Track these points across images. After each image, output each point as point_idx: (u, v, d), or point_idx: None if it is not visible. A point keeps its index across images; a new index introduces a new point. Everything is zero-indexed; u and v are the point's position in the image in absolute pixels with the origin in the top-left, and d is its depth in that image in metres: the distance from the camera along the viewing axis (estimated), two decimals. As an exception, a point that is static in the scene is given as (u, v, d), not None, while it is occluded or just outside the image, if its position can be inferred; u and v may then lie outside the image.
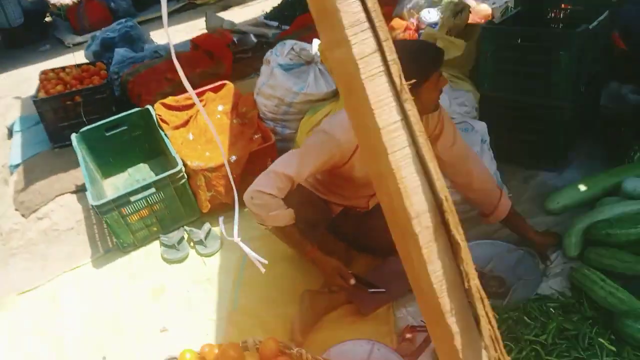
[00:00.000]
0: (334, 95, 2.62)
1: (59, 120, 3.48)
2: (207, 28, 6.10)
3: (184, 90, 3.38)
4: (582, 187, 2.16)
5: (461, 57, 2.50)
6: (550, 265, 1.95)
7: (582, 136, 2.56)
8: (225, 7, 7.88)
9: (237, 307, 2.09)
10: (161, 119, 2.86)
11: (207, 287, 2.28)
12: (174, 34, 6.64)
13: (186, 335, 2.05)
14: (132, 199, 2.43)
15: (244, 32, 4.74)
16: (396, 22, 4.20)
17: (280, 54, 2.66)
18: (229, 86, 3.00)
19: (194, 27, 6.31)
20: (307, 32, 4.73)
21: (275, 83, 2.67)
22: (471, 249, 1.96)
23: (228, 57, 4.05)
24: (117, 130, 3.00)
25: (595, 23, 2.19)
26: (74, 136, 2.89)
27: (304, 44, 2.66)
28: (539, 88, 2.30)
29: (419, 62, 1.60)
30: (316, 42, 2.62)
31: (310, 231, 1.91)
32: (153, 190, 2.46)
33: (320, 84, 2.60)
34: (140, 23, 6.07)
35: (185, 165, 2.53)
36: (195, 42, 4.16)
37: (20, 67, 5.93)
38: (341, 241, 2.17)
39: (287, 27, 5.20)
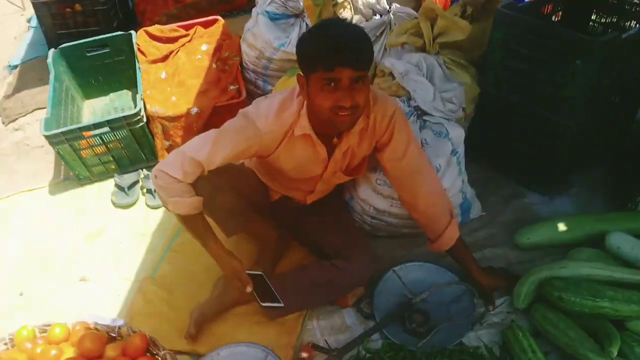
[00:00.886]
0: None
1: (57, 27, 3.32)
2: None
3: (185, 18, 3.24)
4: (562, 227, 1.83)
5: (467, 41, 2.10)
6: (492, 311, 1.70)
7: (594, 162, 2.17)
8: None
9: (154, 275, 2.00)
10: (139, 49, 2.66)
11: (140, 242, 2.19)
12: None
13: (99, 291, 1.99)
14: (85, 134, 2.31)
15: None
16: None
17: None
18: (220, 23, 2.73)
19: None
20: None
21: (257, 32, 2.38)
22: (413, 269, 1.76)
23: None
24: (99, 52, 2.83)
25: (633, 31, 1.73)
26: (51, 51, 2.75)
27: (294, -7, 2.31)
28: (547, 97, 1.91)
29: (302, 52, 1.35)
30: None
31: (232, 217, 1.73)
32: (107, 129, 2.32)
33: (304, 42, 2.28)
34: None
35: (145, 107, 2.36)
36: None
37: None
38: (281, 228, 1.98)
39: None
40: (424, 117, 1.94)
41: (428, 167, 1.67)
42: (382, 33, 2.35)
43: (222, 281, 1.82)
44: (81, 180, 2.50)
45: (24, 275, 2.10)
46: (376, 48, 2.34)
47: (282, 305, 1.62)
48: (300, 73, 1.39)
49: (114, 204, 2.38)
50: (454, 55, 2.14)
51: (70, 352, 1.44)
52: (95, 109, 2.95)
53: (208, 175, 1.51)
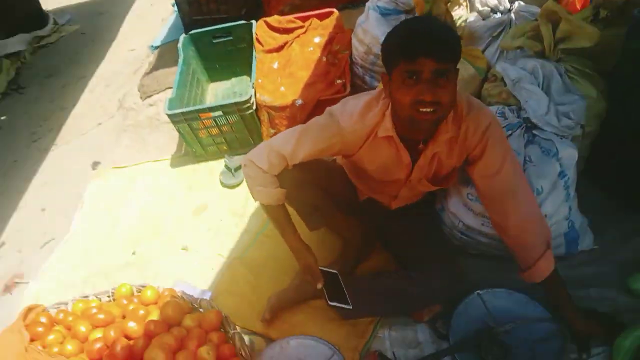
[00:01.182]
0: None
1: (192, 13, 3.61)
2: None
3: (307, 8, 3.31)
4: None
5: (597, 48, 1.87)
6: (585, 360, 1.54)
7: None
8: None
9: (244, 256, 2.13)
10: (257, 39, 2.79)
11: (237, 222, 2.34)
12: None
13: (195, 262, 2.18)
14: (201, 116, 2.51)
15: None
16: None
17: (381, -8, 2.30)
18: (334, 16, 2.76)
19: None
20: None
21: (367, 27, 2.36)
22: (500, 296, 1.62)
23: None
24: (223, 39, 3.04)
25: None
26: (182, 37, 3.01)
27: (407, -11, 2.24)
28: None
29: (385, 47, 1.31)
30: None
31: (315, 212, 1.78)
32: (220, 113, 2.49)
33: (413, 40, 2.21)
34: None
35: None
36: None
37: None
38: (366, 230, 1.98)
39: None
40: (534, 131, 1.78)
41: (524, 189, 1.53)
42: (499, 34, 2.19)
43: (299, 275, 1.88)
44: (197, 157, 2.74)
45: (138, 237, 2.38)
46: (491, 50, 2.20)
47: (350, 307, 1.63)
48: (385, 72, 1.36)
49: (221, 183, 2.57)
50: (579, 64, 1.92)
51: (155, 314, 1.62)
52: (218, 92, 3.19)
53: (294, 169, 1.56)
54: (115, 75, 3.89)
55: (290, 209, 1.72)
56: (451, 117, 1.44)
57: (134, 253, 2.31)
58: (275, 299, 1.82)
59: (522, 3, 2.31)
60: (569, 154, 1.68)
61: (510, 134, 1.78)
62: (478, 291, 1.71)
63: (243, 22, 2.98)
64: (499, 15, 2.28)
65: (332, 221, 1.88)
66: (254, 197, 1.62)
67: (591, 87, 1.87)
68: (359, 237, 1.94)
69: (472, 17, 2.28)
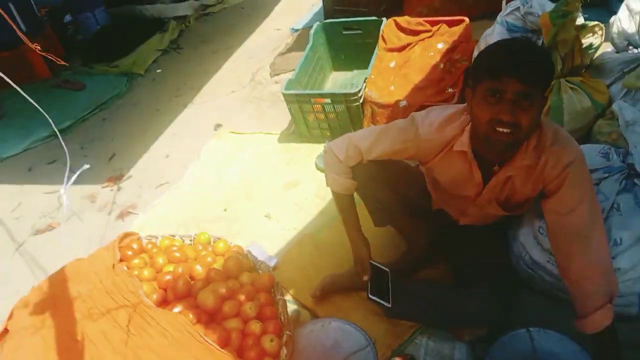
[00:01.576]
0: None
1: (335, 3, 3.82)
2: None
3: (446, 13, 3.29)
4: None
5: None
6: None
7: None
8: None
9: (316, 235, 2.26)
10: (382, 37, 2.87)
11: (318, 204, 2.48)
12: None
13: (274, 230, 2.37)
14: (312, 100, 2.69)
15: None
16: None
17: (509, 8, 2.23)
18: (463, 24, 2.72)
19: None
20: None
21: (490, 40, 2.31)
22: (551, 338, 1.59)
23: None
24: (353, 32, 3.17)
25: None
26: (315, 25, 3.20)
27: (536, 7, 2.13)
28: None
29: (475, 63, 1.33)
30: (543, 8, 2.06)
31: (382, 210, 1.85)
32: (329, 100, 2.64)
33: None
34: None
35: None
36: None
37: None
38: (433, 238, 2.00)
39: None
40: (635, 180, 1.64)
41: (598, 236, 1.43)
42: (632, 70, 2.01)
43: (361, 262, 1.96)
44: (301, 137, 2.93)
45: (232, 197, 2.64)
46: (618, 86, 2.03)
47: (389, 305, 1.68)
48: (470, 87, 1.37)
49: (316, 165, 2.73)
50: None
51: (219, 264, 1.83)
52: (338, 80, 3.35)
53: (369, 164, 1.65)
54: (258, 50, 4.25)
55: (361, 205, 1.81)
56: (533, 144, 1.40)
57: (225, 210, 2.57)
58: (330, 279, 1.93)
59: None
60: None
61: (607, 177, 1.66)
62: (530, 327, 1.64)
63: (374, 18, 3.08)
64: (637, 50, 2.08)
65: (399, 222, 1.92)
66: (327, 183, 1.74)
67: None
68: (423, 243, 1.95)
69: (605, 46, 2.11)
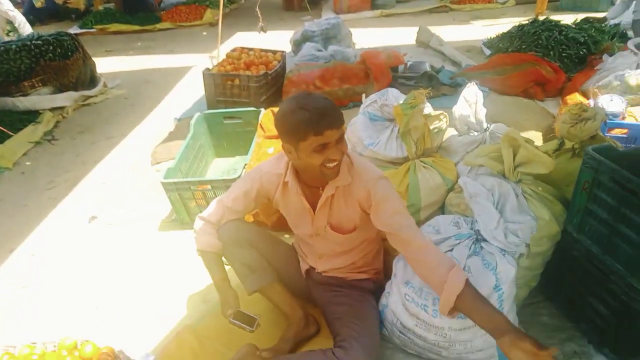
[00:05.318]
0: (404, 161, 2.37)
1: (217, 94, 3.99)
2: (416, 41, 6.04)
3: None
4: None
5: (560, 175, 1.96)
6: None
7: None
8: (476, 17, 7.95)
9: (195, 323, 2.18)
10: (261, 125, 3.03)
11: (200, 291, 2.42)
12: (398, 33, 6.88)
13: (151, 325, 2.24)
14: (192, 187, 2.70)
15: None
16: (573, 97, 3.50)
17: (369, 100, 2.51)
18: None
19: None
20: (493, 74, 4.29)
21: (355, 128, 2.56)
22: None
23: (385, 79, 3.97)
24: (233, 121, 3.31)
25: None
26: (196, 115, 3.30)
27: (390, 100, 2.43)
28: (627, 257, 1.68)
29: (289, 125, 1.56)
30: (396, 100, 2.37)
31: (252, 273, 1.89)
32: (209, 187, 2.67)
33: (391, 146, 2.38)
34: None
35: (244, 175, 2.67)
36: (363, 56, 4.17)
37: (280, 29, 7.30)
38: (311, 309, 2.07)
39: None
40: (482, 244, 1.86)
41: (421, 232, 1.68)
42: (472, 150, 2.33)
43: (244, 348, 1.91)
44: (183, 224, 2.89)
45: (105, 293, 2.47)
46: (462, 164, 2.32)
47: (252, 329, 1.78)
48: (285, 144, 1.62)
49: (198, 251, 2.67)
50: (538, 187, 2.01)
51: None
52: (221, 167, 3.42)
53: (235, 225, 1.85)
54: (140, 139, 4.21)
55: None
56: (347, 166, 1.71)
57: (97, 308, 2.39)
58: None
59: (501, 125, 2.46)
60: (506, 270, 1.73)
61: (458, 243, 1.86)
62: None
63: (253, 108, 3.26)
64: (475, 133, 2.43)
65: (271, 290, 1.95)
66: (196, 247, 1.90)
67: (545, 209, 1.94)
68: (299, 315, 1.97)
69: (449, 131, 2.44)
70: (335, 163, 1.60)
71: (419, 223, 2.13)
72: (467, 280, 1.53)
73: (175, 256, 2.69)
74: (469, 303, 1.50)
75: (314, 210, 1.81)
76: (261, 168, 1.86)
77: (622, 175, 1.67)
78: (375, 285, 2.02)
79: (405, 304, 1.79)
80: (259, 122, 3.09)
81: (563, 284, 2.00)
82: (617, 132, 2.71)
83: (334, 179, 1.68)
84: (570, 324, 1.98)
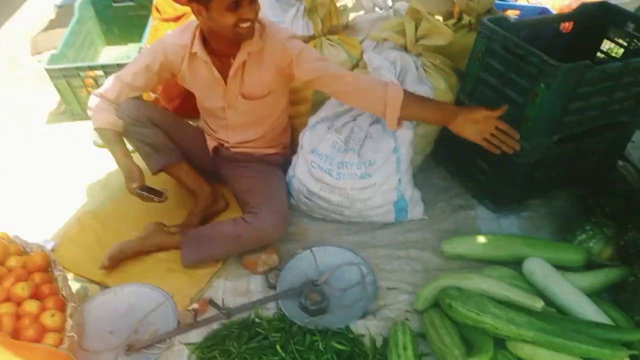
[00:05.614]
0: (310, 39, 2.34)
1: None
2: None
3: None
4: (487, 243, 1.78)
5: (456, 48, 2.05)
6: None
7: (562, 190, 2.11)
8: None
9: (96, 209, 2.12)
10: (156, 7, 2.79)
11: (100, 179, 2.31)
12: None
13: (50, 213, 2.12)
14: (82, 74, 2.47)
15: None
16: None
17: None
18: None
19: None
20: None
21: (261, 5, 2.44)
22: (330, 252, 1.82)
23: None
24: (124, 4, 3.01)
25: (615, 64, 1.66)
26: (80, -4, 2.95)
27: (297, -24, 2.33)
28: (510, 115, 1.85)
29: None
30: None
31: (155, 152, 1.85)
32: (101, 73, 2.47)
33: (297, 25, 2.31)
34: None
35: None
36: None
37: None
38: (218, 185, 2.08)
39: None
40: (384, 112, 1.94)
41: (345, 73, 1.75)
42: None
43: (151, 227, 1.90)
44: (74, 116, 2.68)
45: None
46: (368, 42, 2.34)
47: (161, 199, 1.74)
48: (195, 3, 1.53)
49: (94, 142, 2.52)
50: (436, 60, 2.10)
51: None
52: (112, 55, 3.14)
53: (135, 104, 1.77)
54: (16, 31, 3.71)
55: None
56: (259, 31, 1.67)
57: None
58: (118, 247, 1.82)
59: (404, 3, 2.49)
60: (405, 134, 1.83)
61: (362, 114, 1.93)
62: (312, 247, 1.85)
63: (144, -13, 2.98)
64: (381, 11, 2.44)
65: (177, 168, 1.92)
66: (93, 125, 1.78)
67: (441, 80, 2.04)
68: (207, 191, 1.98)
69: (361, 11, 2.42)
70: (249, 23, 1.55)
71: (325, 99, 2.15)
72: (404, 89, 1.66)
73: (69, 148, 2.52)
74: (413, 107, 1.65)
75: (225, 81, 1.75)
76: (164, 40, 1.75)
77: (512, 41, 1.79)
78: (283, 159, 2.06)
79: (310, 170, 1.86)
80: (154, 3, 2.83)
81: (454, 148, 2.16)
82: (510, 13, 2.88)
83: (249, 40, 1.63)
84: (458, 184, 2.19)
